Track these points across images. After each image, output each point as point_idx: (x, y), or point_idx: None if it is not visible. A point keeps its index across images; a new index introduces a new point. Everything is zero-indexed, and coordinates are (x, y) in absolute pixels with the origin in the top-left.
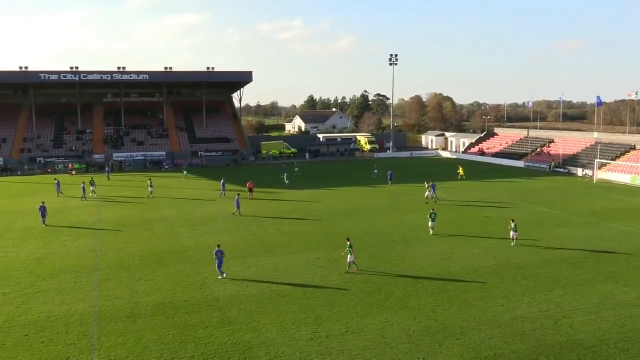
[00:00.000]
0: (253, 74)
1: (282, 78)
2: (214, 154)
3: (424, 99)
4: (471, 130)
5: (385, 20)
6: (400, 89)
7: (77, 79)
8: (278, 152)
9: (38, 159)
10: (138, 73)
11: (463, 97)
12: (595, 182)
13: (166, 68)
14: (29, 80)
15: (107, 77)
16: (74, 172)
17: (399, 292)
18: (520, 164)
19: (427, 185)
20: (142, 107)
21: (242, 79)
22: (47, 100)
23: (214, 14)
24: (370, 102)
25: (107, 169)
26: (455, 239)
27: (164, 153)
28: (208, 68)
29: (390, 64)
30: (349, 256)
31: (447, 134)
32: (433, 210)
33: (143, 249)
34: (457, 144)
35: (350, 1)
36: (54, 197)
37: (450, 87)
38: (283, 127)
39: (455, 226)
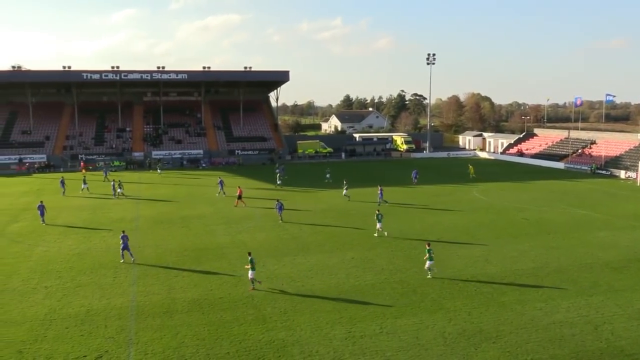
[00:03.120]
0: (290, 73)
1: (319, 77)
2: (250, 152)
3: (462, 99)
4: (510, 131)
5: (424, 20)
6: (438, 88)
7: (117, 78)
8: (314, 151)
9: (79, 155)
10: (177, 72)
11: (502, 97)
12: (638, 184)
13: (204, 67)
14: (71, 79)
15: (147, 76)
16: (84, 170)
17: (434, 294)
18: (560, 165)
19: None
20: (181, 106)
21: (278, 78)
22: (89, 99)
23: (256, 13)
24: (407, 102)
25: (157, 168)
26: (492, 240)
27: (201, 151)
28: (245, 67)
29: (428, 64)
30: (250, 272)
31: (485, 134)
32: (379, 211)
33: (180, 246)
34: (495, 144)
35: (390, 1)
36: (85, 194)
37: (489, 87)
38: (319, 127)
39: (492, 228)
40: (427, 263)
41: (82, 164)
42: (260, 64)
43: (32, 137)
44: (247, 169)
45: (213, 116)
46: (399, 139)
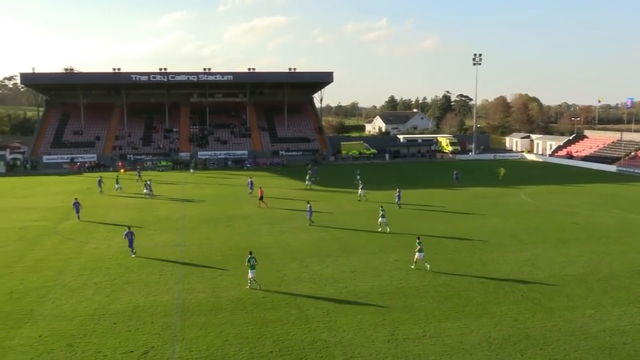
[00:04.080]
0: (334, 74)
1: (363, 78)
2: (294, 153)
3: (509, 100)
4: (559, 133)
5: (470, 20)
6: (484, 89)
7: (165, 79)
8: (357, 152)
9: (128, 155)
10: (222, 74)
11: (550, 98)
12: None
13: (250, 69)
14: (121, 81)
15: (194, 77)
16: (122, 170)
17: (479, 298)
18: (612, 168)
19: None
20: (226, 107)
21: (322, 79)
22: (138, 100)
23: (302, 15)
24: (452, 103)
25: (190, 168)
26: (539, 245)
27: (246, 152)
28: (290, 69)
29: (474, 64)
30: (251, 271)
31: (533, 136)
32: (382, 207)
33: (224, 245)
34: (543, 146)
35: (436, 1)
36: (118, 193)
37: (537, 88)
38: (363, 128)
39: (540, 232)
40: (417, 255)
41: (119, 163)
42: (305, 65)
43: (83, 137)
44: (291, 170)
45: (258, 117)
46: (444, 140)
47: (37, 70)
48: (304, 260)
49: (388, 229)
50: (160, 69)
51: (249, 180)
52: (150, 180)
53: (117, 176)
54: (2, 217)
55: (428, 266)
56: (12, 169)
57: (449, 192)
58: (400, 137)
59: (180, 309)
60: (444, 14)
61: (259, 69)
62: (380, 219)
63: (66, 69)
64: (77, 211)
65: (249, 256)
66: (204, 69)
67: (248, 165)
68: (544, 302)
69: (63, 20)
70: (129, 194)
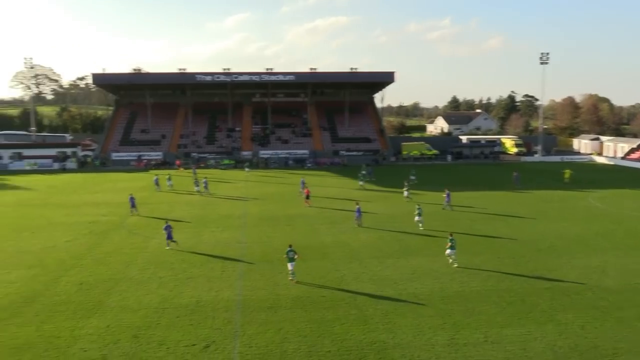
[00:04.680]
0: (395, 74)
1: (425, 78)
2: (354, 153)
3: (577, 100)
4: (632, 134)
5: (537, 18)
6: (551, 89)
7: (228, 79)
8: (419, 153)
9: (192, 154)
10: (284, 74)
11: (623, 98)
12: None
13: (311, 69)
14: (186, 81)
15: (256, 77)
16: (181, 168)
17: (544, 304)
18: None
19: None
20: (287, 107)
21: (384, 79)
22: (202, 100)
23: (364, 15)
24: (517, 103)
25: (245, 167)
26: (609, 251)
27: (306, 151)
28: (351, 69)
29: (541, 63)
30: (290, 263)
31: (603, 138)
32: (419, 205)
33: (284, 243)
34: (614, 148)
35: (502, 0)
36: (170, 190)
37: (608, 88)
38: (424, 128)
39: (610, 238)
40: (448, 251)
41: (177, 162)
42: (366, 65)
43: (149, 135)
44: (351, 170)
45: (319, 117)
46: (508, 141)
47: (107, 71)
48: (363, 260)
49: (421, 227)
50: (224, 70)
51: (302, 180)
52: (207, 178)
53: (169, 174)
54: (74, 212)
55: (455, 265)
56: (83, 166)
57: (512, 195)
58: (463, 138)
59: (240, 305)
60: (510, 13)
61: (321, 69)
62: (416, 217)
63: (134, 70)
64: (132, 205)
65: (289, 249)
66: (266, 69)
67: (308, 165)
68: (613, 311)
69: (133, 23)
70: (187, 191)
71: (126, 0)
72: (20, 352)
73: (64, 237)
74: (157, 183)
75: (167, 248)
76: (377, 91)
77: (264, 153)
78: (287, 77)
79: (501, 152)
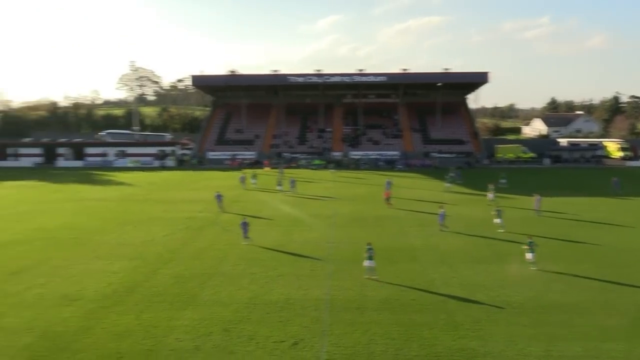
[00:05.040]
0: (489, 74)
1: (521, 78)
2: (446, 155)
3: None
4: None
5: None
6: None
7: (320, 80)
8: (514, 156)
9: (284, 154)
10: (376, 74)
11: None
12: None
13: (403, 69)
14: (278, 82)
15: (348, 78)
16: (268, 168)
17: None
18: None
19: None
20: (378, 108)
21: (477, 80)
22: (294, 100)
23: (458, 14)
24: (622, 105)
25: (331, 168)
26: None
27: (397, 153)
28: (444, 69)
29: None
30: (368, 261)
31: None
32: (498, 208)
33: (373, 244)
34: None
35: None
36: (253, 188)
37: None
38: (519, 130)
39: None
40: (527, 255)
41: (265, 162)
42: (459, 65)
43: (244, 135)
44: (443, 172)
45: (410, 118)
46: (612, 145)
47: (205, 73)
48: (453, 264)
49: (501, 230)
50: (316, 71)
51: (387, 181)
52: (294, 178)
53: (255, 172)
54: (172, 208)
55: (534, 268)
56: (181, 164)
57: (613, 202)
58: (562, 140)
59: (329, 304)
60: (614, 9)
61: (413, 69)
62: (496, 220)
63: (230, 72)
64: (219, 202)
65: (368, 246)
66: (358, 70)
67: (399, 167)
68: None
69: (229, 28)
70: (273, 190)
71: (224, 6)
72: (121, 339)
73: (162, 232)
74: (242, 181)
75: (244, 244)
76: (470, 92)
77: (355, 154)
78: (379, 78)
79: (604, 156)
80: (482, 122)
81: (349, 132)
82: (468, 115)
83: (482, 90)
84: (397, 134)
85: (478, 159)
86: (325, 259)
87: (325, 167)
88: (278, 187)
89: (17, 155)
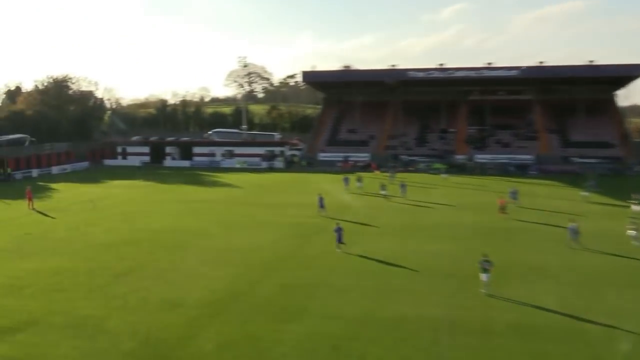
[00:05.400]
0: None
1: None
2: (590, 160)
3: None
4: None
5: None
6: None
7: (443, 75)
8: None
9: (401, 156)
10: (507, 68)
11: None
12: None
13: (538, 62)
14: (397, 78)
15: (474, 73)
16: (376, 171)
17: None
18: None
19: None
20: (509, 106)
21: (629, 73)
22: (413, 98)
23: None
24: None
25: (442, 172)
26: None
27: (530, 156)
28: (589, 61)
29: None
30: (484, 275)
31: None
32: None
33: (502, 260)
34: None
35: None
36: (357, 191)
37: None
38: None
39: None
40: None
41: (372, 165)
42: (605, 57)
43: (357, 136)
44: (584, 180)
45: (546, 118)
46: None
47: (317, 69)
48: (595, 287)
49: (636, 244)
50: (438, 65)
51: (512, 190)
52: (405, 182)
53: (360, 175)
54: (280, 212)
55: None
56: (290, 165)
57: None
58: None
59: (448, 325)
60: None
61: (550, 62)
62: (630, 232)
63: (344, 67)
64: (321, 205)
65: (483, 259)
66: (486, 64)
67: (532, 172)
68: None
69: (341, 20)
70: (379, 194)
71: None
72: (223, 350)
73: (269, 238)
74: (346, 183)
75: (338, 251)
76: (620, 87)
77: (481, 157)
78: (510, 72)
79: None
80: (635, 123)
81: (475, 133)
82: (617, 114)
83: (636, 86)
84: (531, 135)
85: (630, 166)
86: (445, 273)
87: (447, 172)
88: (382, 192)
89: (125, 154)
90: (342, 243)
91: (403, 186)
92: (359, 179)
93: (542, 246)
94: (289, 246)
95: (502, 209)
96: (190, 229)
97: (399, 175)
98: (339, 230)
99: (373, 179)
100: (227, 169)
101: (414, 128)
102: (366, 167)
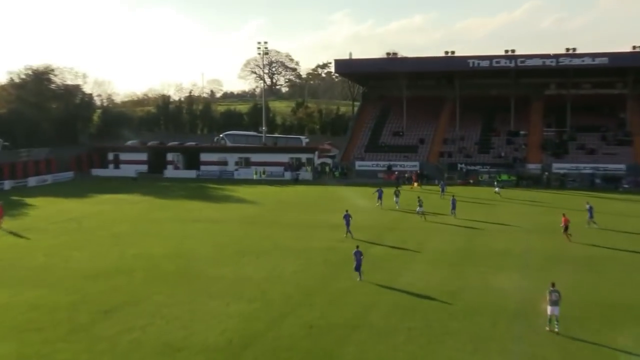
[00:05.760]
0: None
1: None
2: None
3: None
4: None
5: None
6: None
7: (512, 65)
8: None
9: (459, 165)
10: (593, 55)
11: None
12: None
13: (634, 47)
14: (454, 67)
15: (551, 61)
16: (416, 184)
17: None
18: None
19: None
20: (596, 102)
21: None
22: (474, 93)
23: None
24: None
25: (495, 186)
26: None
27: (622, 166)
28: None
29: None
30: (551, 307)
31: None
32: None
33: (586, 297)
34: None
35: None
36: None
37: None
38: None
39: None
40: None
41: (412, 175)
42: None
43: (404, 139)
44: None
45: None
46: None
47: (354, 57)
48: None
49: None
50: (506, 52)
51: (588, 205)
52: (455, 196)
53: (397, 189)
54: (306, 235)
55: None
56: (320, 176)
57: None
58: None
59: None
60: None
61: None
62: None
63: (388, 54)
64: (347, 224)
65: (551, 288)
66: (567, 50)
67: (625, 186)
68: None
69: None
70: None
71: None
72: None
73: (292, 266)
74: (379, 197)
75: (359, 280)
76: None
77: (559, 167)
78: (597, 60)
79: None
80: None
81: (552, 136)
82: None
83: None
84: (624, 139)
85: None
86: (512, 313)
87: (516, 185)
88: (418, 210)
89: (117, 162)
90: (358, 272)
91: (453, 202)
92: (397, 193)
93: (637, 278)
94: (317, 276)
95: (566, 229)
96: (195, 255)
97: (454, 189)
98: (358, 254)
99: (413, 194)
100: (242, 181)
101: (475, 130)
102: (417, 178)
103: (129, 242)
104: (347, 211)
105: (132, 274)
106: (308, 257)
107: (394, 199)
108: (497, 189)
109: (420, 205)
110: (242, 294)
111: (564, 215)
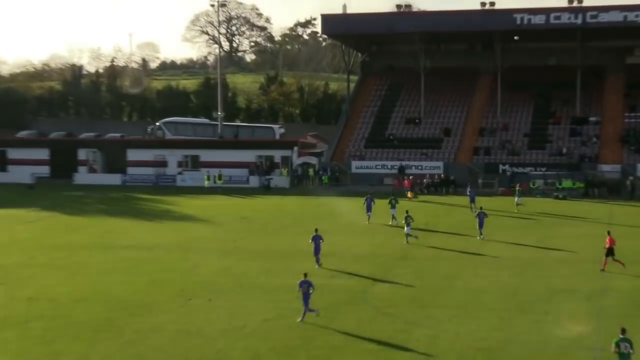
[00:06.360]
0: None
1: None
2: None
3: None
4: None
5: None
6: None
7: (578, 21)
8: None
9: (501, 167)
10: None
11: None
12: None
13: None
14: (494, 25)
15: (636, 15)
16: (410, 194)
17: None
18: None
19: None
20: None
21: None
22: (522, 63)
23: None
24: None
25: (516, 195)
26: None
27: None
28: None
29: None
30: None
31: None
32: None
33: None
34: None
35: None
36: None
37: None
38: None
39: None
40: None
41: (404, 181)
42: None
43: (421, 129)
44: None
45: None
46: None
47: (349, 12)
48: None
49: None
50: (570, 2)
51: None
52: (483, 209)
53: (393, 198)
54: (279, 267)
55: None
56: (300, 182)
57: None
58: None
59: None
60: None
61: None
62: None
63: (399, 6)
64: (317, 250)
65: (621, 336)
66: None
67: None
68: None
69: None
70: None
71: None
72: None
73: (261, 312)
74: (369, 208)
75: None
76: None
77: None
78: None
79: None
80: None
81: (638, 124)
82: None
83: None
84: None
85: None
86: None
87: (585, 194)
88: (406, 230)
89: (5, 162)
90: (309, 310)
91: (480, 218)
92: (392, 204)
93: None
94: (296, 328)
95: (610, 252)
96: (117, 298)
97: (493, 201)
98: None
99: (426, 207)
100: (188, 190)
101: (524, 116)
102: (439, 186)
103: (22, 279)
104: (316, 231)
105: (25, 327)
106: (283, 297)
107: (390, 211)
108: (517, 199)
109: (408, 224)
110: (188, 355)
111: (608, 233)
